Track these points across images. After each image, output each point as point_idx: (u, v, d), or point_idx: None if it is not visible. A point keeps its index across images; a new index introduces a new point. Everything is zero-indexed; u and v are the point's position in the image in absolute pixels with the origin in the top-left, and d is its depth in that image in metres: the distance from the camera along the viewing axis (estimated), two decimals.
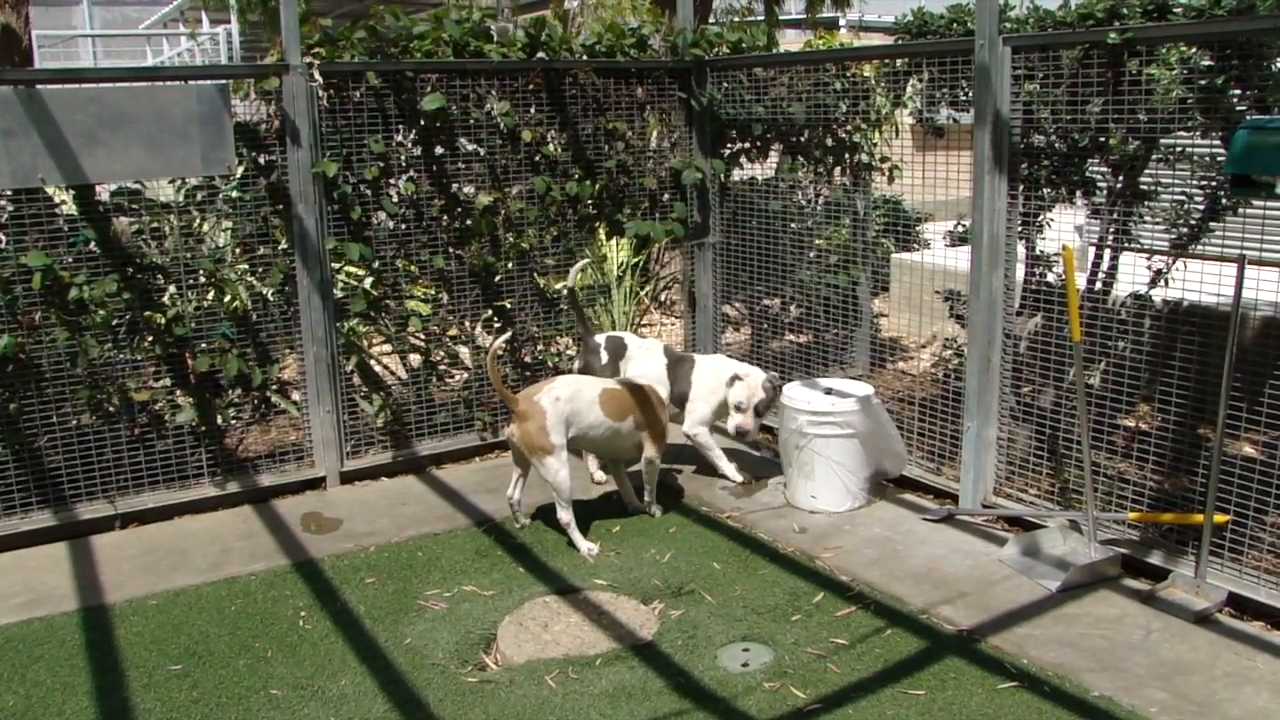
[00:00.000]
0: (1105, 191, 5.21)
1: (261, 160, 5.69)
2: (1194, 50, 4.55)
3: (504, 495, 5.42)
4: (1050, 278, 5.42)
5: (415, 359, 6.33)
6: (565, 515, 5.07)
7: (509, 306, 6.43)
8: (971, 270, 5.21)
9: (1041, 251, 5.45)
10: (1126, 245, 5.20)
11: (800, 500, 5.52)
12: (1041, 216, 5.38)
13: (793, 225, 6.62)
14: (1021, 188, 5.18)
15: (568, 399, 5.10)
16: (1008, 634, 4.21)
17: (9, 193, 5.17)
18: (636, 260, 7.35)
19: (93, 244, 5.38)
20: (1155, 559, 4.61)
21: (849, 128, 6.36)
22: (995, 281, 5.15)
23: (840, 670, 3.99)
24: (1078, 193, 5.29)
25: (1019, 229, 5.20)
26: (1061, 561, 4.70)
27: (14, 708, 3.89)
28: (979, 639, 4.19)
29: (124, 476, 5.55)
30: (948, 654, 4.09)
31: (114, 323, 5.44)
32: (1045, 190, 5.29)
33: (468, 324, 6.41)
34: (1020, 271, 5.35)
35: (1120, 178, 5.13)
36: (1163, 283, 5.03)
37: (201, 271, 5.61)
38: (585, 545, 5.04)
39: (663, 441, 5.45)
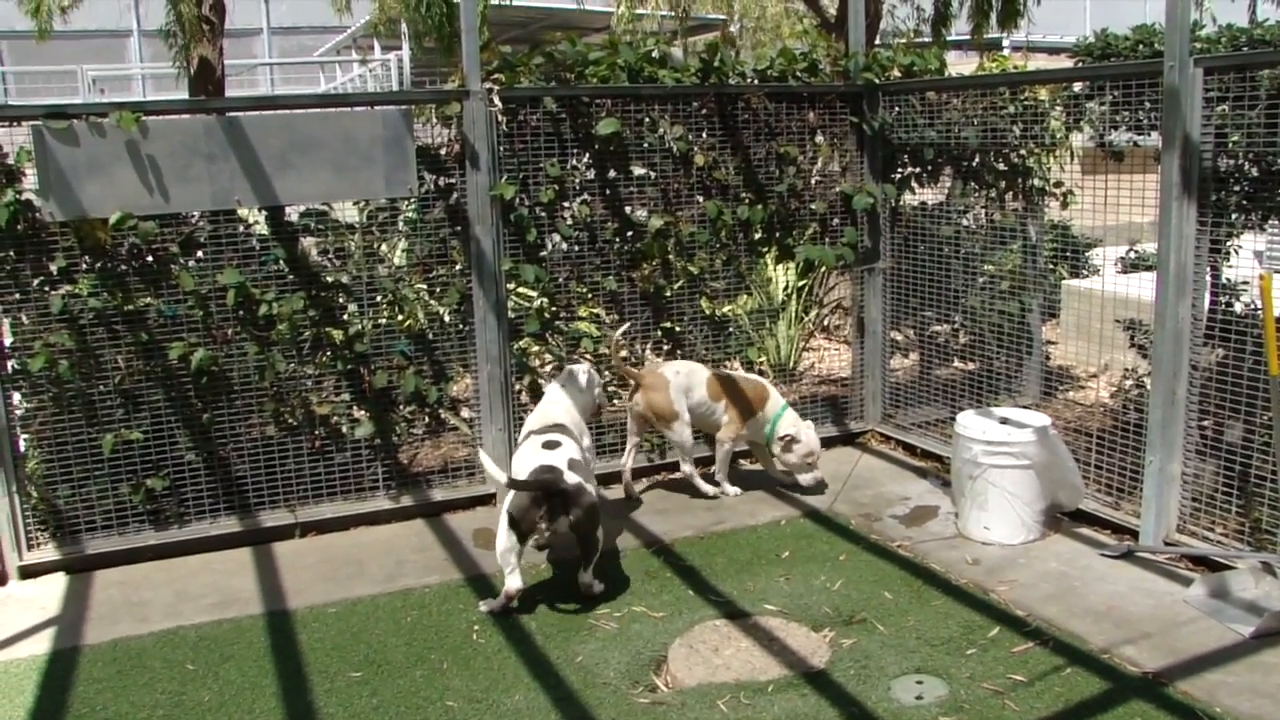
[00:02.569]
0: None
1: (441, 183, 5.86)
2: None
3: (670, 517, 5.46)
4: (1237, 307, 5.21)
5: None
6: (688, 468, 6.01)
7: (678, 329, 6.47)
8: (1157, 300, 5.03)
9: (1228, 280, 5.24)
10: None
11: (973, 531, 5.40)
12: (1230, 243, 5.18)
13: (963, 251, 6.51)
14: (1210, 214, 5.00)
15: (686, 374, 5.97)
16: (1197, 679, 4.04)
17: (208, 214, 5.44)
18: (802, 284, 7.32)
19: (281, 263, 5.61)
20: None
21: (1022, 152, 6.23)
22: (1182, 311, 4.97)
23: (1018, 708, 3.88)
24: (1271, 218, 5.08)
25: (1207, 257, 5.01)
26: (1254, 605, 4.49)
27: (209, 703, 4.08)
28: (1165, 683, 4.02)
29: (304, 487, 5.76)
30: (1132, 696, 3.94)
31: (299, 338, 5.66)
32: (1235, 216, 5.09)
33: (638, 345, 6.47)
34: (1206, 300, 5.15)
35: None
36: None
37: (381, 291, 5.80)
38: (714, 489, 6.02)
39: (735, 428, 6.01)
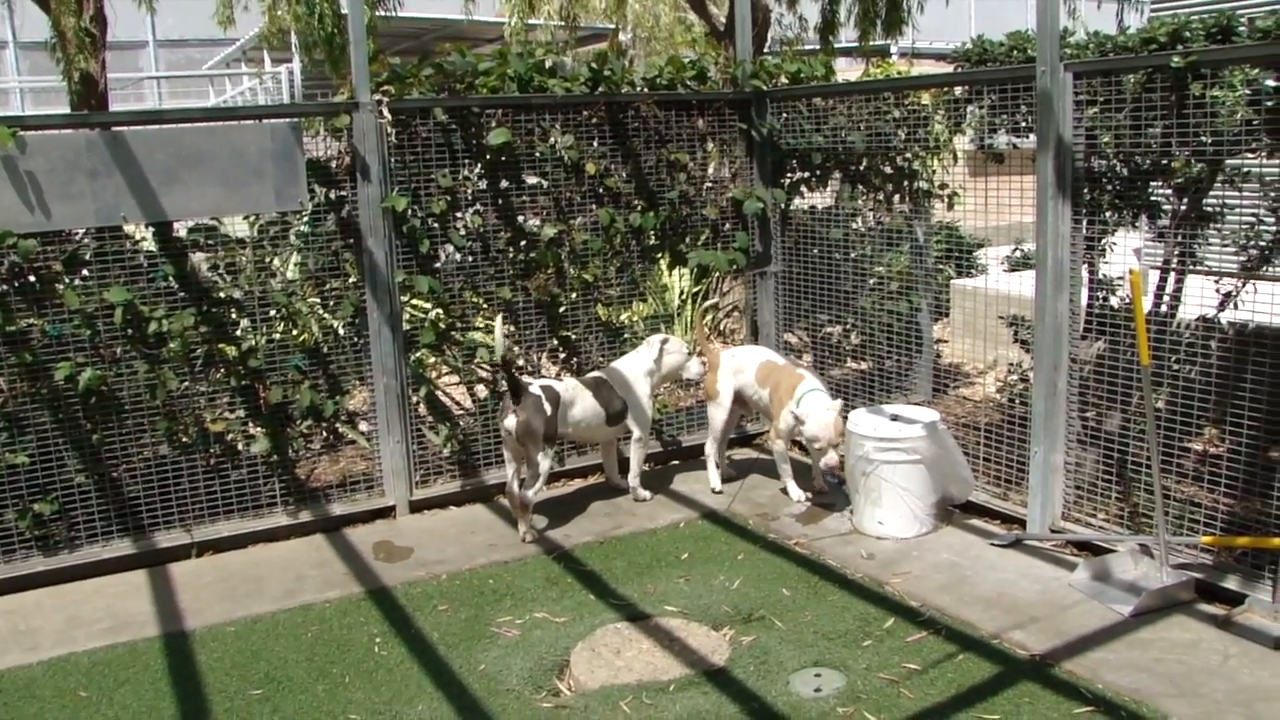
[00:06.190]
0: (1169, 214, 5.20)
1: (332, 195, 5.82)
2: (1259, 71, 4.55)
3: (570, 523, 5.54)
4: (1114, 301, 5.41)
5: (481, 390, 6.42)
6: (710, 448, 6.27)
7: (574, 337, 6.51)
8: (1036, 296, 5.22)
9: (1104, 275, 5.44)
10: (1192, 268, 5.18)
11: (867, 526, 5.53)
12: (1104, 240, 5.37)
13: (853, 253, 6.65)
14: (1085, 212, 5.18)
15: (740, 356, 6.25)
16: (1081, 659, 4.19)
17: (93, 230, 5.33)
18: (697, 289, 7.41)
19: (171, 279, 5.52)
20: (1230, 584, 4.57)
21: (907, 155, 6.39)
22: (1060, 306, 5.15)
23: (913, 695, 3.99)
24: (1142, 216, 5.28)
25: (1083, 254, 5.20)
26: (1133, 586, 4.68)
27: None
28: (1052, 664, 4.17)
29: (200, 506, 5.67)
30: (1021, 679, 4.08)
31: (191, 355, 5.57)
32: (1108, 214, 5.29)
33: (533, 355, 6.49)
34: (1084, 296, 5.35)
35: (1184, 200, 5.12)
36: (1231, 305, 5.01)
37: (274, 305, 5.74)
38: (718, 484, 6.23)
39: (775, 426, 5.99)
